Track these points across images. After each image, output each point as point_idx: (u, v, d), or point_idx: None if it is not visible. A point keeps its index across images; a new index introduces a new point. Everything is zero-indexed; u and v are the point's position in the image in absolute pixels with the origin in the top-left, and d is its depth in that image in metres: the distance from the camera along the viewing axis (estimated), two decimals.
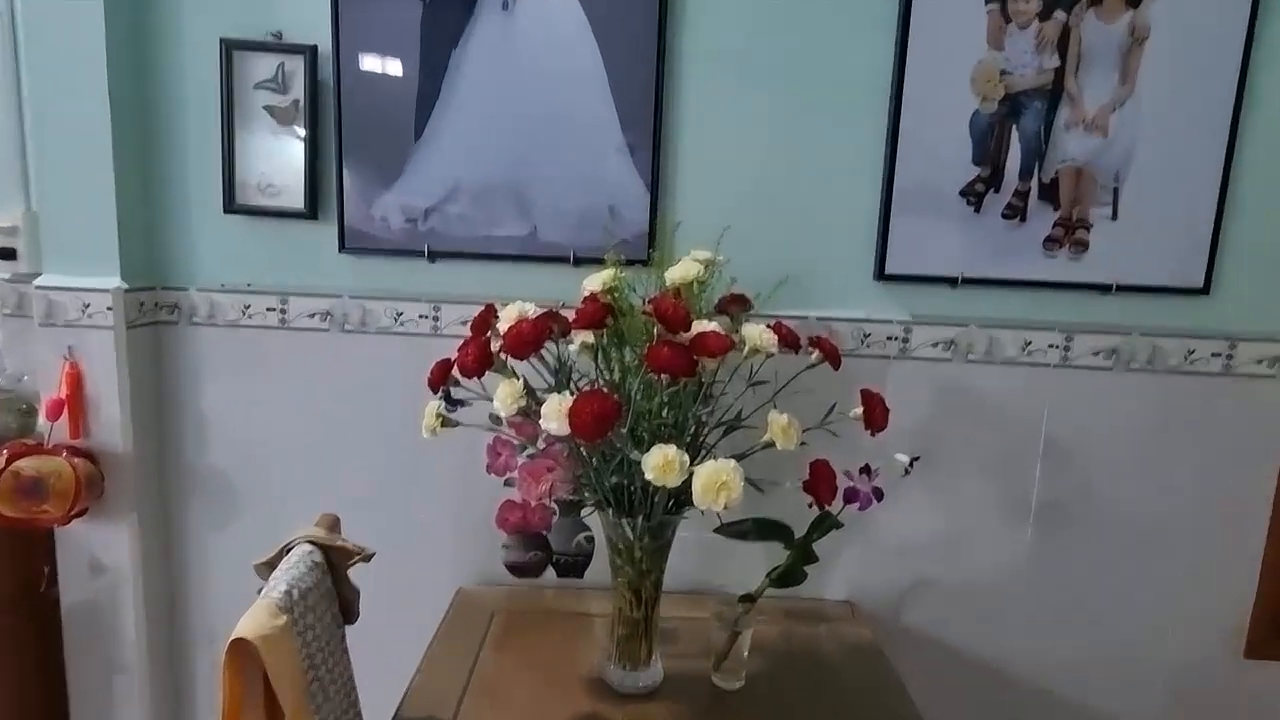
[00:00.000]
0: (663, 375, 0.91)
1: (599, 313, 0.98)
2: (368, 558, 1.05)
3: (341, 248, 1.37)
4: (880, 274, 1.35)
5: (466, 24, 1.31)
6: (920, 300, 1.38)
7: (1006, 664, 1.47)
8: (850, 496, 1.03)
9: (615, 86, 1.31)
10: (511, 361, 1.02)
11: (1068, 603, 1.45)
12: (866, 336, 1.38)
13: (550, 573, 1.46)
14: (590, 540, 1.46)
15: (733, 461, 0.89)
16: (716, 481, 0.86)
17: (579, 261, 1.35)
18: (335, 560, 1.03)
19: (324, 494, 1.43)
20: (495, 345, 1.00)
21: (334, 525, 1.11)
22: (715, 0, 1.32)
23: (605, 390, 0.94)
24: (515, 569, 1.46)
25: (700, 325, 0.95)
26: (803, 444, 1.02)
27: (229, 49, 1.32)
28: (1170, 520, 1.42)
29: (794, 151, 1.34)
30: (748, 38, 1.32)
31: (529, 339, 0.92)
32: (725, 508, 0.88)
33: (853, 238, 1.36)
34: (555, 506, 1.44)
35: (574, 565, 1.47)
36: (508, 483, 1.39)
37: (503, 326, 0.99)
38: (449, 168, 1.34)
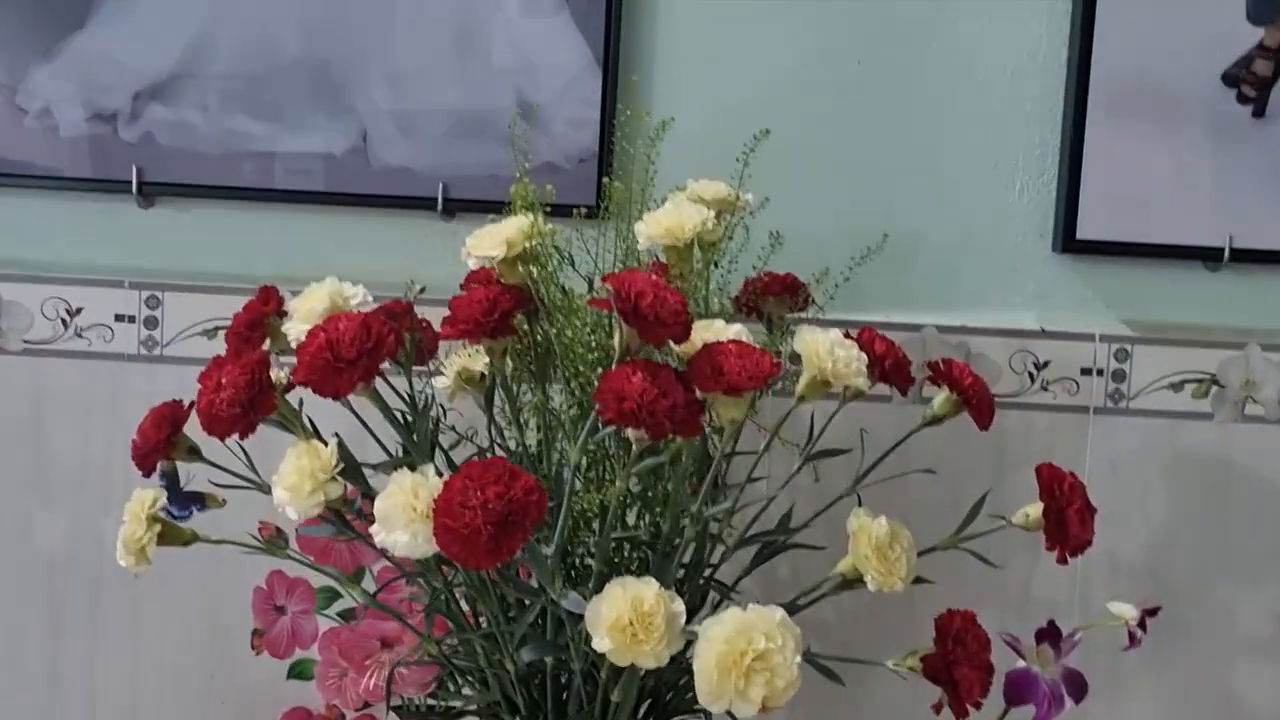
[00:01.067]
0: (632, 433, 0.89)
1: (500, 303, 0.97)
2: None
3: None
4: (1066, 242, 1.36)
5: None
6: (1148, 294, 1.40)
7: None
8: (1020, 691, 1.02)
9: None
10: (312, 405, 1.00)
11: None
12: (1041, 366, 1.39)
13: None
14: None
15: (779, 611, 0.87)
16: (746, 652, 0.84)
17: (454, 206, 1.36)
18: None
19: None
20: (279, 372, 0.99)
21: None
22: None
23: (510, 461, 0.92)
24: None
25: (709, 330, 0.94)
26: (918, 580, 1.01)
27: None
28: None
29: (885, 13, 1.36)
30: None
31: (352, 355, 0.90)
32: (764, 711, 0.86)
33: (1010, 172, 1.38)
34: None
35: None
36: (297, 671, 1.38)
37: (296, 331, 0.97)
38: (186, 15, 1.35)
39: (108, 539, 1.06)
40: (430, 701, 1.20)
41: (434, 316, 1.05)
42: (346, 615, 1.34)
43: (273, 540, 1.11)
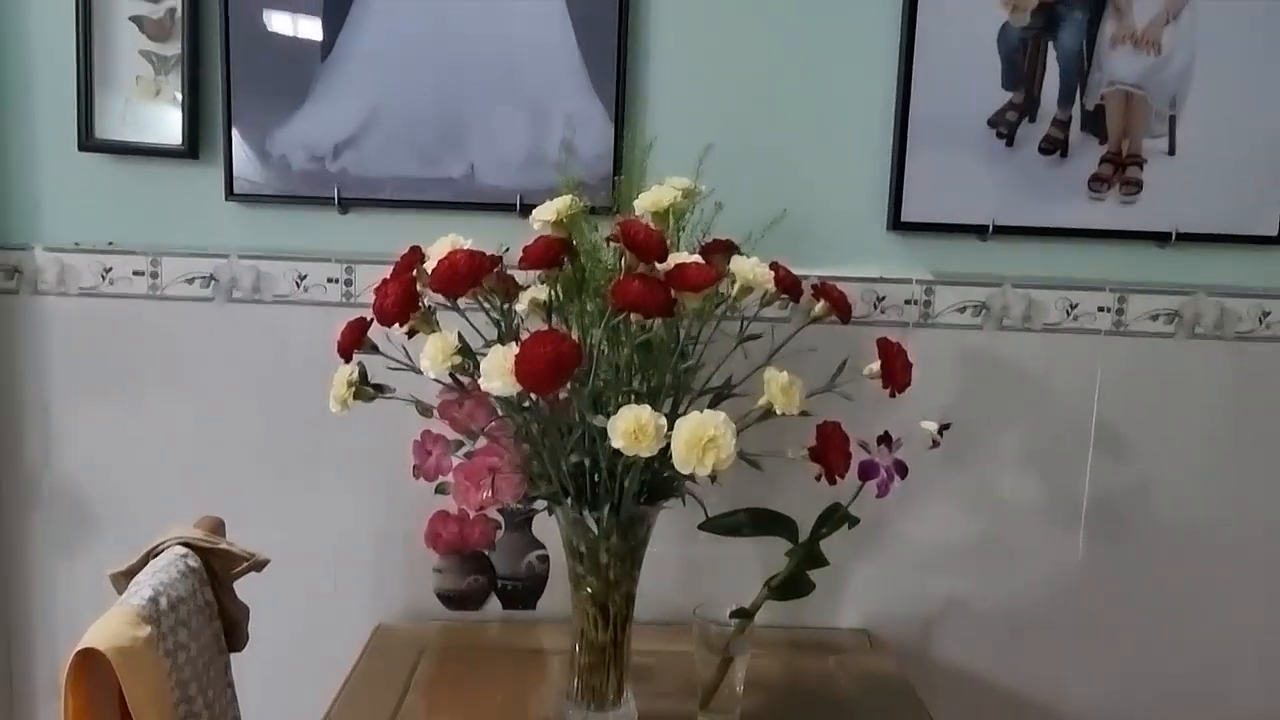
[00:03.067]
0: (633, 316, 0.88)
1: (554, 247, 0.95)
2: (259, 565, 1.00)
3: (229, 194, 1.34)
4: (895, 223, 1.35)
5: None
6: (944, 255, 1.38)
7: (1055, 702, 1.45)
8: (867, 471, 1.01)
9: (576, 23, 1.31)
10: (442, 316, 0.99)
11: (1126, 629, 1.45)
12: (880, 300, 1.38)
13: (494, 602, 1.43)
14: (544, 560, 1.43)
15: (722, 414, 0.86)
16: (702, 436, 0.84)
17: (527, 209, 1.32)
18: (217, 568, 0.98)
19: (205, 508, 1.36)
20: (423, 294, 0.98)
21: (216, 528, 1.06)
22: None
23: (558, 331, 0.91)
24: (450, 598, 1.42)
25: (679, 257, 0.93)
26: (804, 414, 1.00)
27: None
28: (1249, 525, 1.43)
29: (791, 73, 1.34)
30: None
31: (464, 272, 0.90)
32: (714, 475, 0.86)
33: (861, 179, 1.36)
34: (500, 519, 1.43)
35: (524, 592, 1.44)
36: (440, 489, 1.37)
37: (430, 265, 0.96)
38: (365, 93, 1.33)
39: (327, 412, 1.03)
40: (519, 505, 1.18)
41: (516, 276, 1.03)
42: (468, 455, 1.33)
43: (425, 412, 1.08)
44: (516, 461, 1.07)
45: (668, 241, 0.97)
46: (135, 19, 1.31)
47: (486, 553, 1.42)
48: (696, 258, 0.93)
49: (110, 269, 1.37)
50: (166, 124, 1.32)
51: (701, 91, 1.35)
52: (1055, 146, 1.34)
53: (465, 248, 0.96)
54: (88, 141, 1.32)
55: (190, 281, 1.37)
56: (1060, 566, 1.43)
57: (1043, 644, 1.45)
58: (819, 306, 1.08)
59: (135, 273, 1.37)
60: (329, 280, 1.37)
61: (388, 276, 0.98)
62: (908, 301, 1.38)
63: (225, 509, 1.33)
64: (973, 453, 1.40)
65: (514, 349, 0.88)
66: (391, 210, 1.36)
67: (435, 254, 0.97)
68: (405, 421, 1.08)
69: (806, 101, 1.35)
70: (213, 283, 1.37)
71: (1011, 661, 1.45)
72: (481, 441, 1.11)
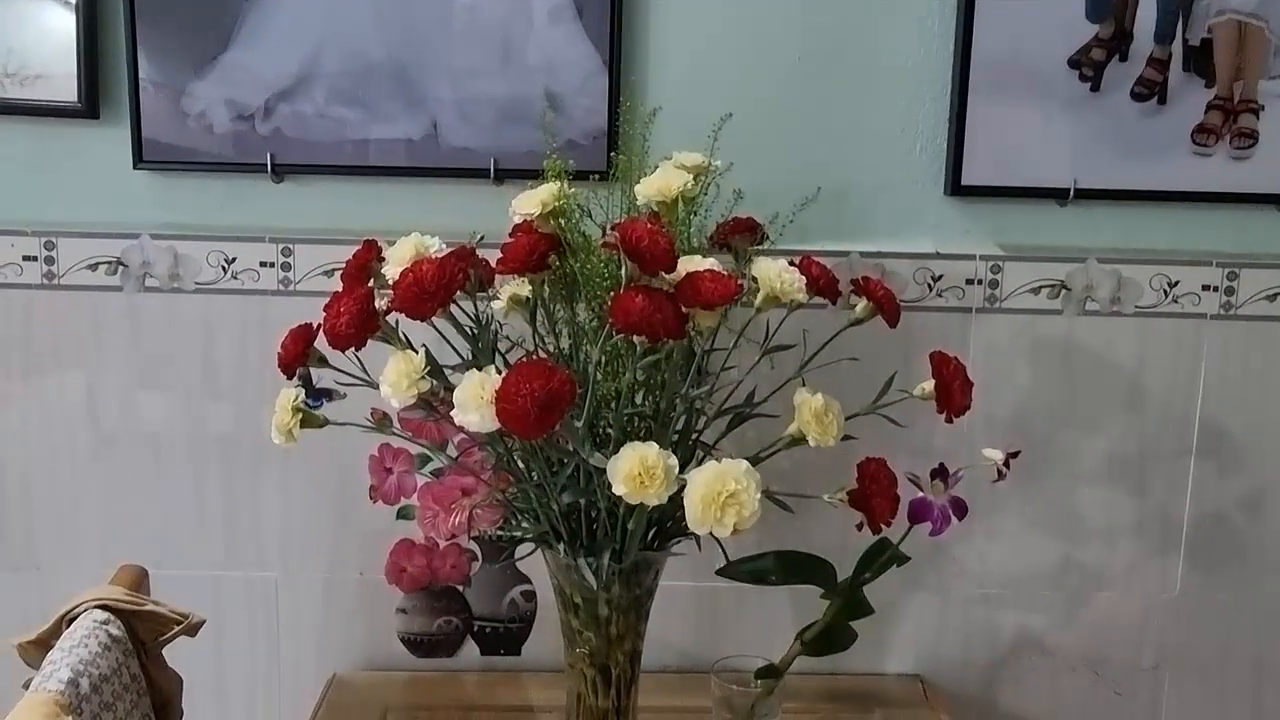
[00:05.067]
0: (636, 338, 0.91)
1: (538, 247, 0.97)
2: (193, 628, 1.04)
3: (138, 161, 1.36)
4: (955, 186, 1.36)
5: None
6: (1014, 224, 1.39)
7: None
8: (919, 513, 1.04)
9: None
10: (405, 325, 1.01)
11: (1234, 674, 1.48)
12: (936, 279, 1.39)
13: (471, 648, 1.47)
14: (529, 598, 1.47)
15: (744, 463, 0.89)
16: (721, 492, 0.87)
17: (503, 175, 1.35)
18: (143, 634, 1.02)
19: (118, 540, 1.42)
20: (381, 301, 1.00)
21: (138, 582, 1.10)
22: None
23: (550, 361, 0.94)
24: (418, 644, 1.46)
25: (690, 263, 0.95)
26: (846, 438, 1.02)
27: None
28: None
29: (823, 11, 1.35)
30: None
31: (433, 288, 0.91)
32: (735, 533, 0.88)
33: (912, 135, 1.37)
34: (475, 548, 1.47)
35: (506, 636, 1.48)
36: (402, 514, 1.41)
37: (391, 272, 0.98)
38: (301, 35, 1.33)
39: (263, 424, 1.07)
40: (500, 532, 1.22)
41: (491, 256, 1.06)
42: (437, 473, 1.36)
43: (381, 422, 1.12)
44: (496, 493, 1.11)
45: (676, 240, 1.00)
46: None
47: (460, 589, 1.46)
48: (711, 263, 0.94)
49: None
50: (58, 77, 1.33)
51: (713, 27, 1.35)
52: (1151, 91, 1.35)
53: (432, 254, 0.98)
54: None
55: (93, 268, 1.39)
56: (1154, 599, 1.46)
57: (1133, 692, 1.48)
58: (861, 306, 1.10)
59: (26, 258, 1.39)
60: (262, 264, 1.39)
61: (338, 287, 1.00)
62: (970, 281, 1.39)
63: (142, 544, 1.38)
64: (1048, 463, 1.42)
65: (493, 378, 0.91)
66: (336, 178, 1.37)
67: (395, 260, 0.99)
68: (358, 437, 1.11)
69: (841, 40, 1.35)
70: (121, 268, 1.39)
71: (1094, 713, 1.49)
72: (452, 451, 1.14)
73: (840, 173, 1.37)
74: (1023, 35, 1.33)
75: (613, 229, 0.95)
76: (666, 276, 0.93)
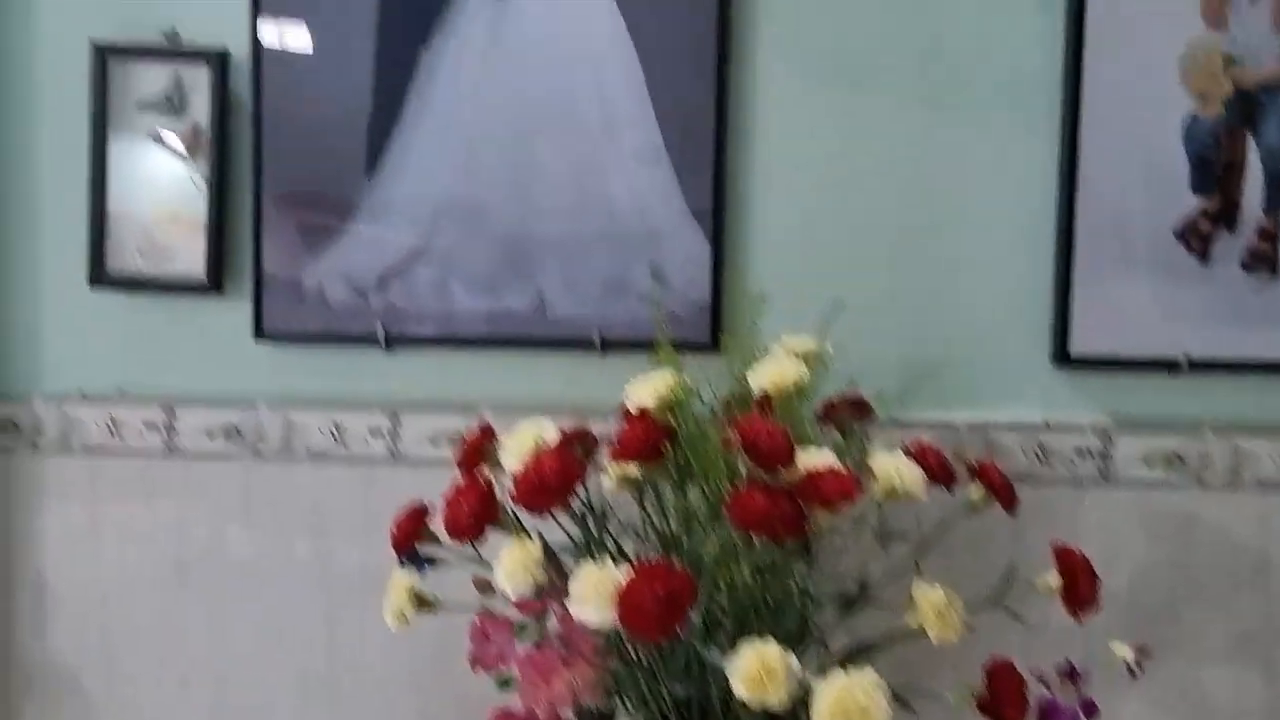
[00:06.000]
0: (755, 536, 0.90)
1: (653, 437, 0.98)
2: None
3: (258, 334, 1.41)
4: (1061, 356, 1.35)
5: (443, 12, 1.37)
6: (1125, 394, 1.37)
7: None
8: (1049, 716, 1.00)
9: (659, 103, 1.35)
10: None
11: None
12: (1044, 451, 1.37)
13: None
14: None
15: (870, 673, 0.87)
16: (849, 708, 0.85)
17: (608, 346, 1.37)
18: None
19: (219, 707, 1.43)
20: (498, 489, 1.01)
21: None
22: None
23: (664, 555, 0.93)
24: None
25: (809, 456, 0.95)
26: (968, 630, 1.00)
27: (103, 56, 1.38)
28: None
29: (923, 183, 1.37)
30: (848, 22, 1.36)
31: (555, 486, 0.93)
32: None
33: (1017, 305, 1.37)
34: None
35: None
36: (503, 683, 1.39)
37: (510, 462, 1.00)
38: (416, 214, 1.39)
39: (367, 589, 1.08)
40: (602, 709, 1.20)
41: (596, 424, 1.07)
42: (539, 643, 1.35)
43: (485, 589, 1.11)
44: (604, 675, 1.09)
45: (791, 425, 0.99)
46: (156, 136, 1.39)
47: None
48: (830, 458, 0.94)
49: (119, 421, 1.44)
50: (188, 254, 1.40)
51: (814, 200, 1.38)
52: (1262, 261, 1.33)
53: (551, 447, 0.99)
54: (99, 276, 1.41)
55: (210, 436, 1.43)
56: None
57: None
58: (976, 492, 1.08)
59: (147, 425, 1.44)
60: (371, 431, 1.42)
61: (445, 459, 1.01)
62: (1080, 452, 1.37)
63: (241, 711, 1.38)
64: (1172, 646, 1.36)
65: (611, 573, 0.90)
66: (445, 349, 1.41)
67: (514, 451, 1.01)
68: (459, 593, 1.12)
69: (944, 219, 1.37)
70: (236, 436, 1.43)
71: None
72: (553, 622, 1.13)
73: (942, 341, 1.37)
74: (1126, 206, 1.33)
75: (732, 426, 0.95)
76: (785, 473, 0.94)
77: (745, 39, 1.37)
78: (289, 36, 1.38)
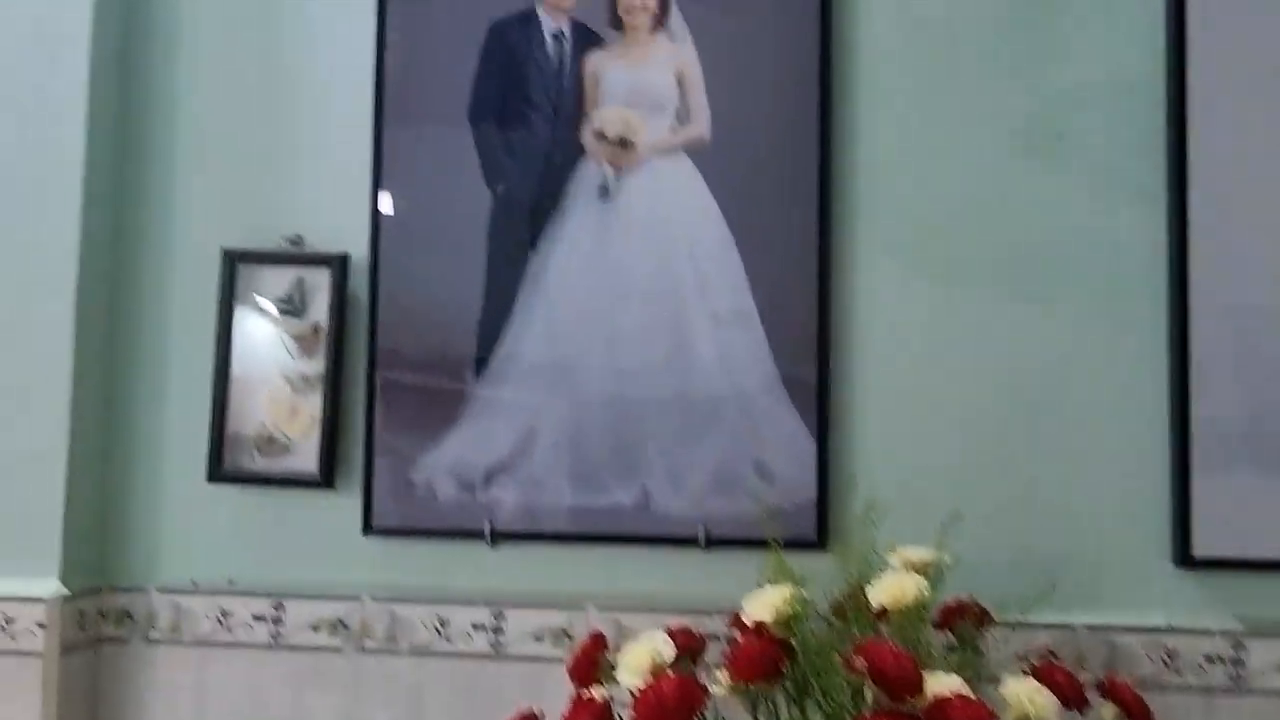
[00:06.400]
0: None
1: (771, 655, 0.97)
2: None
3: (366, 529, 1.43)
4: (1184, 558, 1.31)
5: (551, 219, 1.42)
6: (1256, 597, 1.32)
7: None
8: None
9: (760, 300, 1.38)
10: None
11: None
12: (1171, 656, 1.31)
13: None
14: None
15: None
16: None
17: (713, 543, 1.36)
18: None
19: None
20: (616, 710, 0.99)
21: None
22: (897, 173, 1.40)
23: None
24: None
25: (937, 682, 0.92)
26: None
27: (233, 262, 1.45)
28: None
29: (1029, 379, 1.36)
30: (948, 218, 1.39)
31: (673, 708, 0.90)
32: None
33: (1133, 506, 1.34)
34: None
35: None
36: None
37: (626, 678, 0.98)
38: (523, 411, 1.41)
39: None
40: None
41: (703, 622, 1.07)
42: None
43: None
44: None
45: (912, 643, 0.97)
46: (279, 335, 1.45)
47: None
48: (957, 683, 0.91)
49: (228, 613, 1.45)
50: (301, 450, 1.44)
51: (916, 402, 1.38)
52: None
53: (668, 664, 0.97)
54: (217, 472, 1.45)
55: (316, 629, 1.44)
56: None
57: None
58: (1109, 712, 1.04)
59: (256, 617, 1.45)
60: (474, 626, 1.41)
61: (549, 657, 1.00)
62: (1209, 658, 1.31)
63: None
64: None
65: None
66: (550, 545, 1.41)
67: (630, 668, 0.99)
68: None
69: (1053, 417, 1.36)
70: (341, 629, 1.43)
71: None
72: None
73: (1058, 542, 1.34)
74: (1244, 398, 1.31)
75: (857, 651, 0.93)
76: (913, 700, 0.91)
77: (846, 237, 1.40)
78: (407, 241, 1.44)
